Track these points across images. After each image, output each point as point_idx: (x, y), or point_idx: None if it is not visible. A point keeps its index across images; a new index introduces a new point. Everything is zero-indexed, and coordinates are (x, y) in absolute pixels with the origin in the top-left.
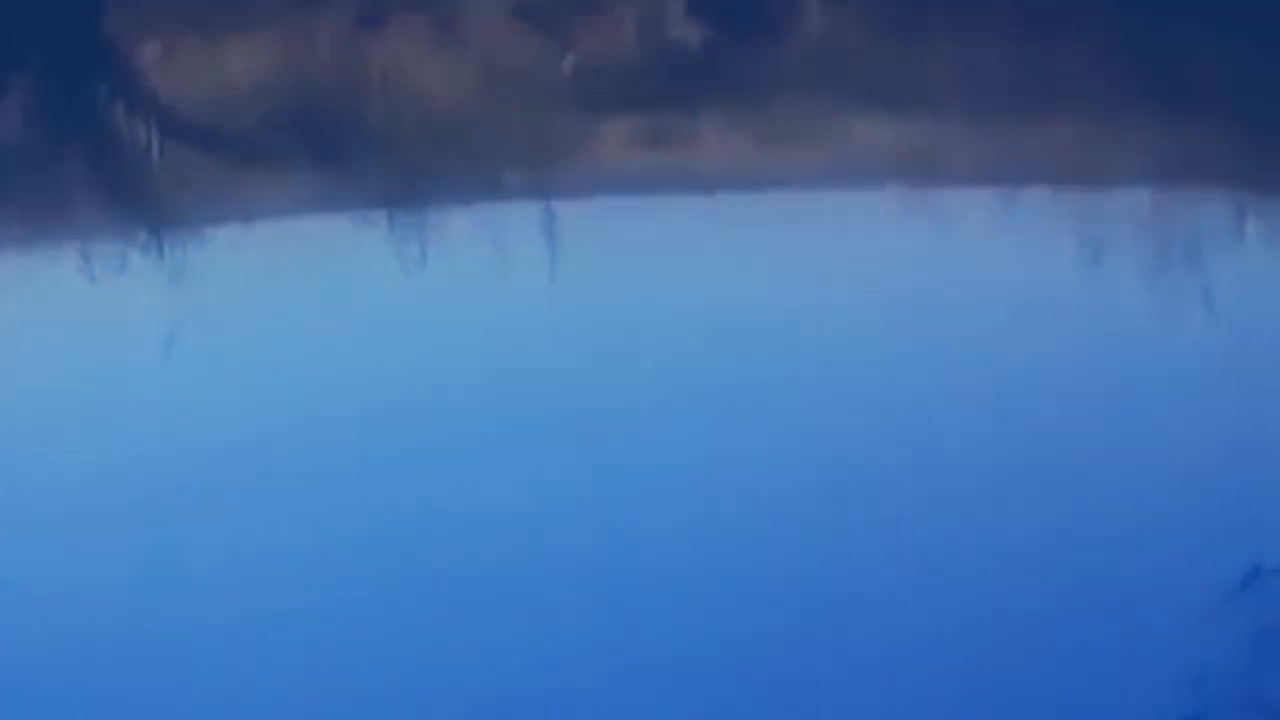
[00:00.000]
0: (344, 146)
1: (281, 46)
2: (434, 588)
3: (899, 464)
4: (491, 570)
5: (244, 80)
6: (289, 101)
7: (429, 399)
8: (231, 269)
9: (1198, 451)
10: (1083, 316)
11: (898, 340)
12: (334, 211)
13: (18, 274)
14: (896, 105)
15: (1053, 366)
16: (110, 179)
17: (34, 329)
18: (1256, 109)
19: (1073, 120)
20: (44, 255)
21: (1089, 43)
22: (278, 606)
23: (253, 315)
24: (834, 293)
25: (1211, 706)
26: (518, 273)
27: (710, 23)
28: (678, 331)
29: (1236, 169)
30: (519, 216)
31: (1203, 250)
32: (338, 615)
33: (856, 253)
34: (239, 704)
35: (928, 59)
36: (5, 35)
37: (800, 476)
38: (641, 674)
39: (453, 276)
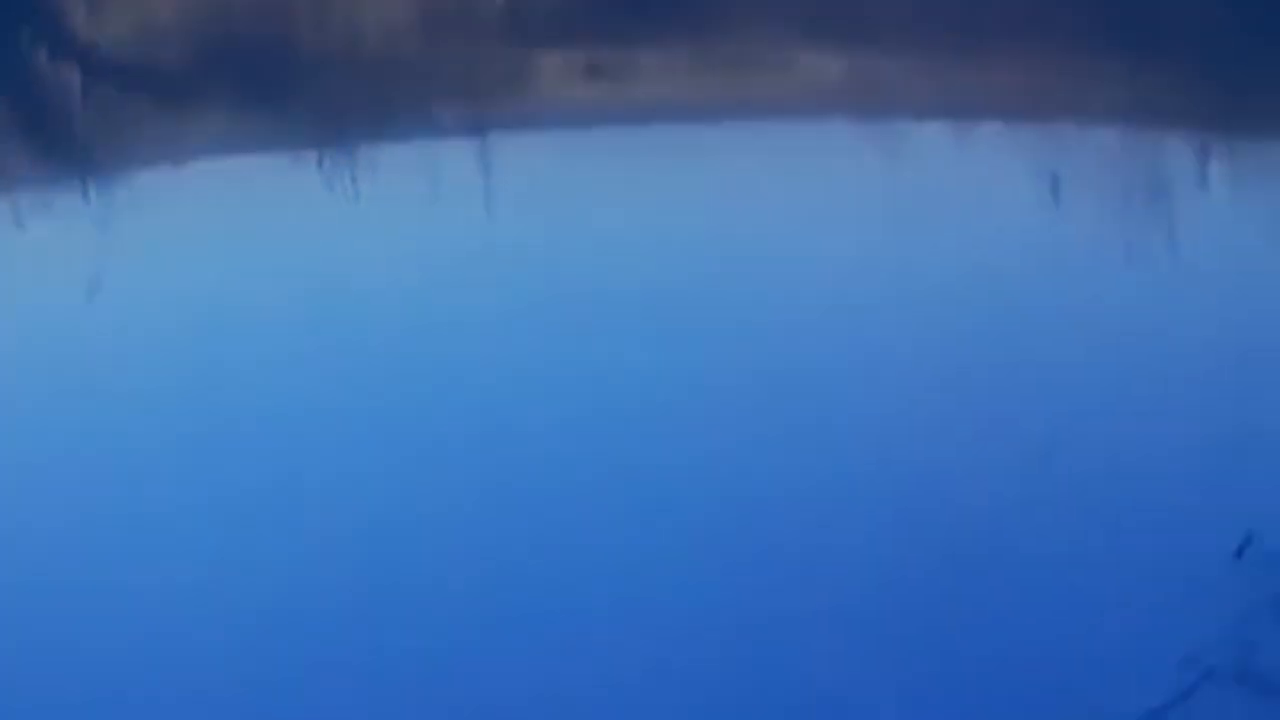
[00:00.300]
0: (274, 82)
1: None
2: (377, 528)
3: (847, 408)
4: (437, 515)
5: (169, 16)
6: (216, 37)
7: (365, 338)
8: (161, 211)
9: (1174, 405)
10: (1040, 255)
11: (846, 274)
12: (265, 150)
13: None
14: (843, 36)
15: (1013, 310)
16: (34, 121)
17: None
18: (1221, 49)
19: (1029, 55)
20: None
21: None
22: (209, 550)
23: (183, 257)
24: (780, 224)
25: (1207, 680)
26: (454, 209)
27: None
28: (618, 264)
29: (1200, 109)
30: (456, 152)
31: (1165, 191)
32: (276, 554)
33: (803, 184)
34: (181, 653)
35: None
36: None
37: (746, 413)
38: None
39: (388, 214)
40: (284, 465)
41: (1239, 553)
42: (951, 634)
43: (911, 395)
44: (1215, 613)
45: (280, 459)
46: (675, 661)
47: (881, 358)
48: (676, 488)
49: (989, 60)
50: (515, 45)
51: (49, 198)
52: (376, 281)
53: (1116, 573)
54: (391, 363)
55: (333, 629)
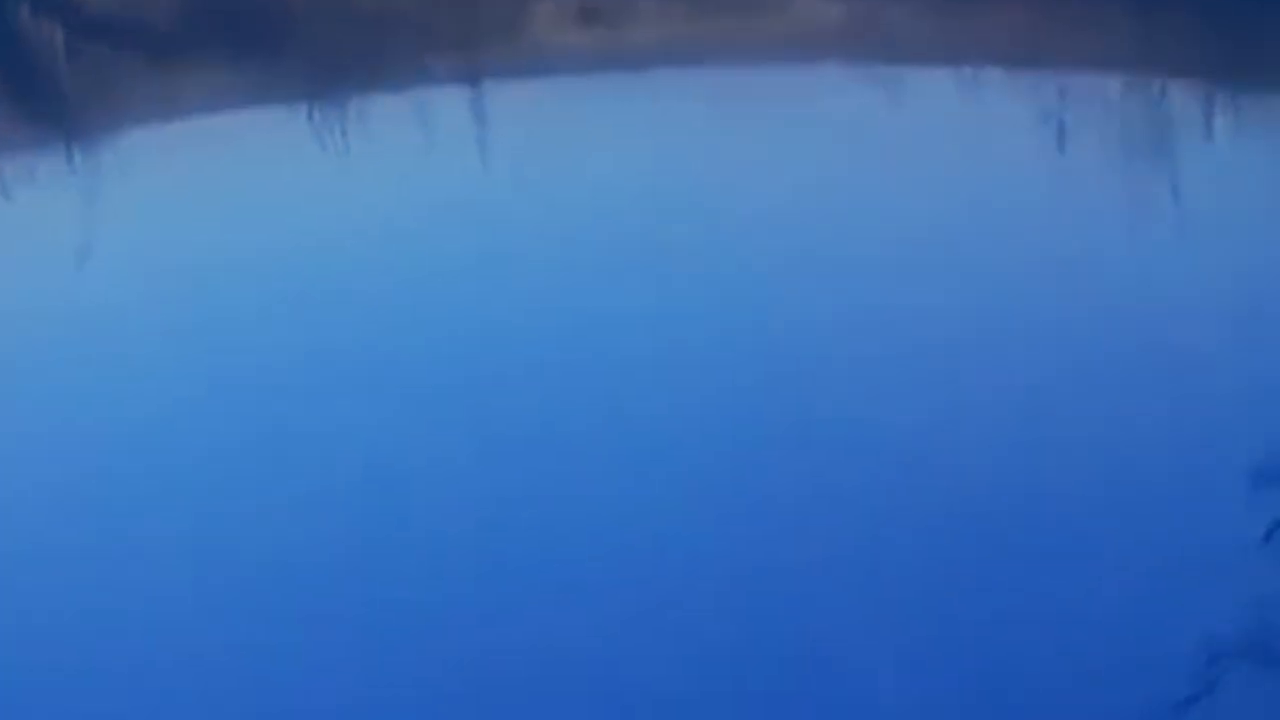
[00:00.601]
0: (264, 34)
1: None
2: (371, 475)
3: (844, 353)
4: (432, 462)
5: None
6: None
7: (357, 288)
8: (151, 168)
9: (1178, 362)
10: (1040, 201)
11: (845, 217)
12: (257, 104)
13: None
14: None
15: (1011, 256)
16: (19, 81)
17: None
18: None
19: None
20: None
21: None
22: (204, 502)
23: (174, 214)
24: (777, 167)
25: (1233, 666)
26: (449, 157)
27: None
28: (614, 209)
29: (1206, 58)
30: (450, 100)
31: (1169, 140)
32: (272, 503)
33: (801, 128)
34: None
35: None
36: None
37: (741, 355)
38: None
39: (382, 164)
40: (279, 415)
41: (1267, 536)
42: (963, 613)
43: (907, 343)
44: (1240, 595)
45: (275, 409)
46: (669, 608)
47: (878, 302)
48: (671, 431)
49: (990, 4)
50: None
51: (37, 157)
52: (370, 232)
53: (1138, 556)
54: (384, 313)
55: (326, 578)
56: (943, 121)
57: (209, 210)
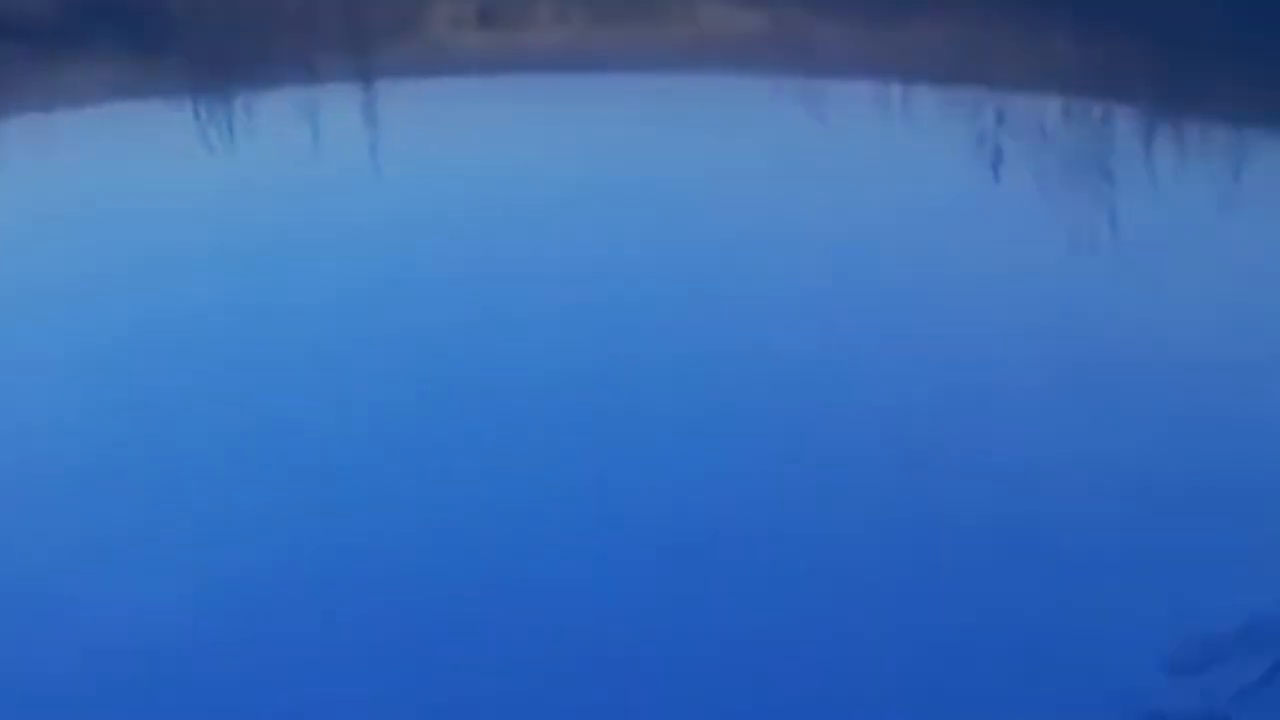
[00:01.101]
0: (151, 28)
1: None
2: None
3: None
4: (301, 441)
5: None
6: None
7: (246, 285)
8: (34, 163)
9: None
10: (969, 227)
11: (753, 218)
12: (143, 98)
13: None
14: None
15: (946, 279)
16: None
17: None
18: (1171, 20)
19: (960, 17)
20: None
21: None
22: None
23: (56, 209)
24: (674, 174)
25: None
26: (334, 155)
27: None
28: (505, 210)
29: (1148, 83)
30: (341, 99)
31: (1107, 163)
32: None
33: (700, 136)
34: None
35: None
36: None
37: (650, 368)
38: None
39: (265, 161)
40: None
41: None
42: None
43: (825, 373)
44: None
45: (165, 406)
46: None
47: (786, 324)
48: (541, 424)
49: (924, 18)
50: None
51: None
52: (246, 222)
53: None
54: (272, 309)
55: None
56: (858, 138)
57: (90, 204)
